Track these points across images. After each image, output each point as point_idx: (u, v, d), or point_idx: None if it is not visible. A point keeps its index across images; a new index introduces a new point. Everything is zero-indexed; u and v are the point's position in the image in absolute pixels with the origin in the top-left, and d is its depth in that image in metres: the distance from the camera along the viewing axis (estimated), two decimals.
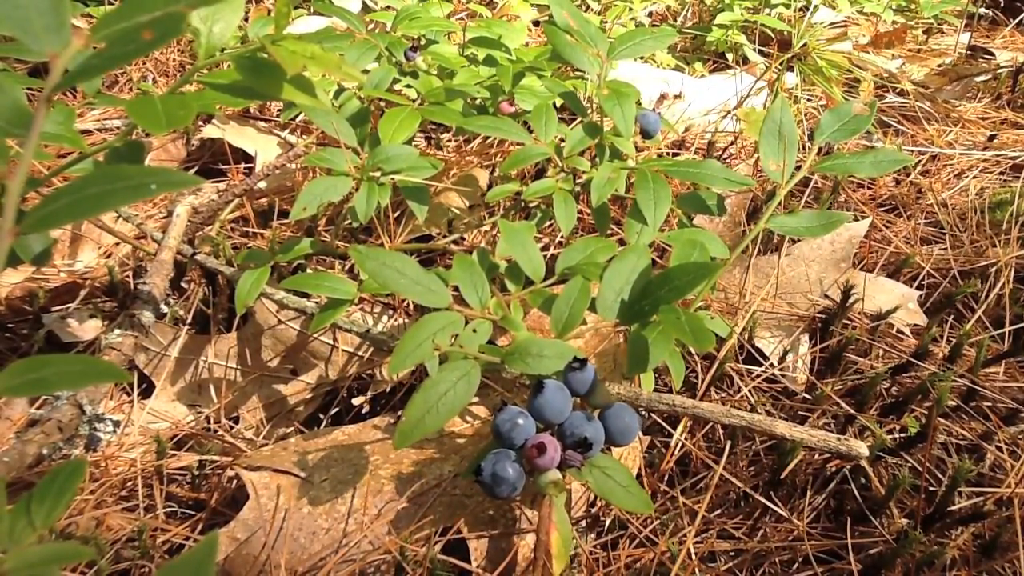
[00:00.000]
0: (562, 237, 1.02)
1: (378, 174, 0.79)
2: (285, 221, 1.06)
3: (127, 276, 0.95)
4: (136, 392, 0.85)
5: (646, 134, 0.89)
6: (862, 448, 0.62)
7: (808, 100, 1.42)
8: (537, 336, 0.60)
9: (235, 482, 0.73)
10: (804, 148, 1.20)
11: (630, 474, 0.29)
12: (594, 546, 0.68)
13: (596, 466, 0.32)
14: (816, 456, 0.75)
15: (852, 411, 0.79)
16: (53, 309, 0.90)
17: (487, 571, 0.59)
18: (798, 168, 0.75)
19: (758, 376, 0.83)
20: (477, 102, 1.00)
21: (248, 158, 1.17)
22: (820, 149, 0.80)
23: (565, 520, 0.27)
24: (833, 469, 0.75)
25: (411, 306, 0.90)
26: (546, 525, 0.27)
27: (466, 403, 0.54)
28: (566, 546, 0.27)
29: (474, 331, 0.61)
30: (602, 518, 0.69)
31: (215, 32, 0.54)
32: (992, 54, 1.58)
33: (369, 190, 0.77)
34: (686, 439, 0.76)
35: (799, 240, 1.01)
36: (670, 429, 0.77)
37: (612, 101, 0.81)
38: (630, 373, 0.57)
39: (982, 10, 1.77)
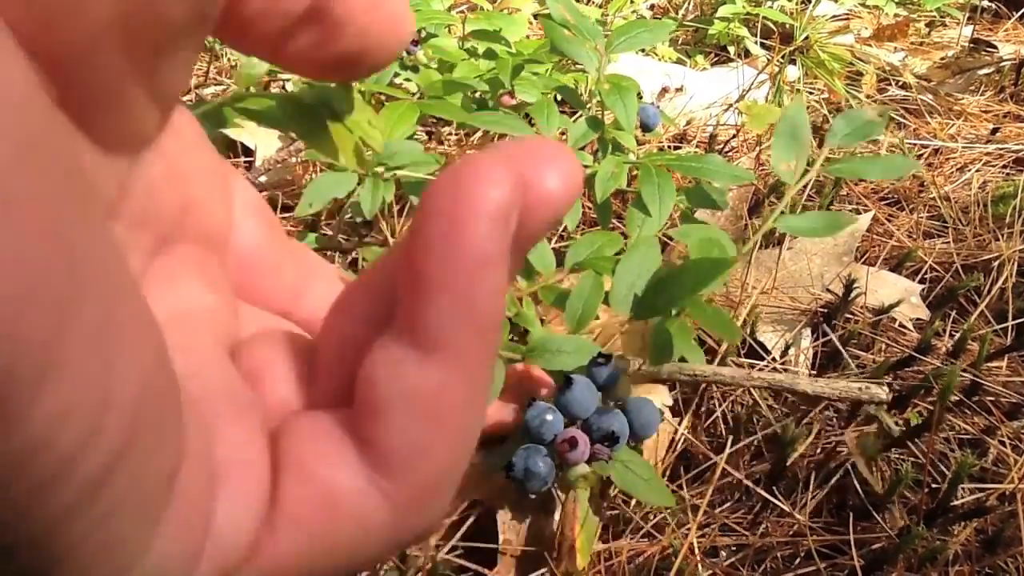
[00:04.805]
0: (563, 231, 1.02)
1: (381, 169, 0.79)
2: (287, 215, 1.06)
3: None
4: None
5: (646, 127, 0.89)
6: (882, 393, 0.63)
7: (810, 93, 1.41)
8: (555, 332, 0.59)
9: None
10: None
11: (651, 468, 0.29)
12: (596, 540, 0.68)
13: (618, 460, 0.32)
14: (818, 450, 0.75)
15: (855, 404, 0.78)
16: None
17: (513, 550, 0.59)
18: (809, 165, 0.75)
19: (760, 370, 0.83)
20: (477, 95, 1.00)
21: (248, 152, 1.17)
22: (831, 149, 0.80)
23: (590, 515, 0.27)
24: (835, 464, 0.74)
25: None
26: (571, 520, 0.27)
27: (493, 402, 0.53)
28: (590, 540, 0.27)
29: None
30: (604, 511, 0.69)
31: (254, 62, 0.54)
32: (995, 47, 1.57)
33: (374, 186, 0.76)
34: (688, 433, 0.76)
35: None
36: (674, 424, 0.77)
37: (614, 95, 0.81)
38: (654, 364, 0.58)
39: (985, 3, 1.76)
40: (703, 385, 0.79)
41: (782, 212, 0.67)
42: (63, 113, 0.13)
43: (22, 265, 0.10)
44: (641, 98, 1.01)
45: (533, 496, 0.24)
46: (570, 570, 0.25)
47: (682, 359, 0.75)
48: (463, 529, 0.65)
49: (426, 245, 0.15)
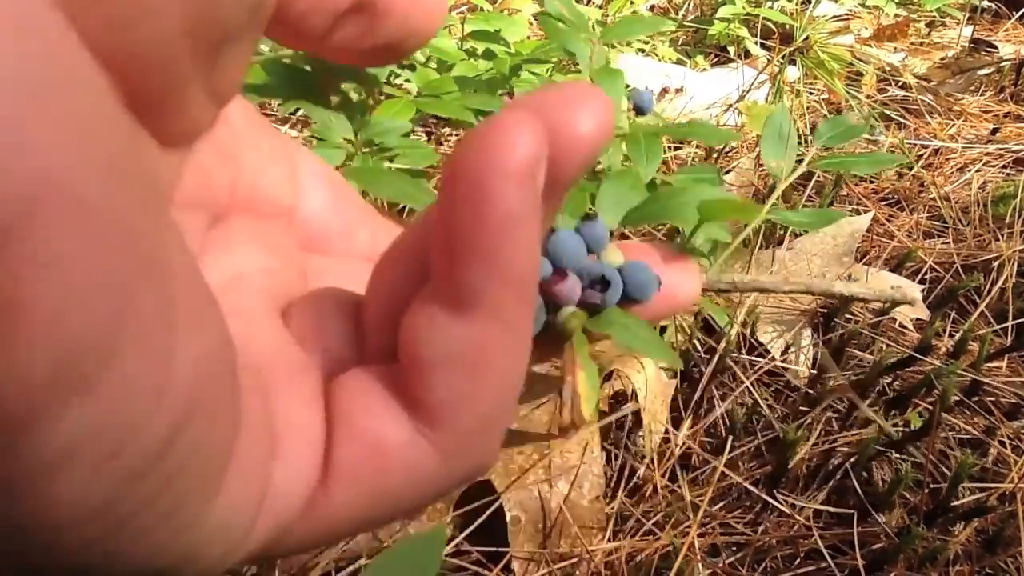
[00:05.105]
0: None
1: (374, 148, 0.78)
2: None
3: None
4: None
5: (640, 111, 0.89)
6: (916, 291, 0.66)
7: (810, 94, 1.41)
8: None
9: None
10: (806, 141, 1.19)
11: (655, 332, 0.27)
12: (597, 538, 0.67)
13: (617, 322, 0.29)
14: (818, 450, 0.75)
15: (856, 402, 0.78)
16: None
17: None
18: (799, 162, 0.75)
19: (759, 369, 0.83)
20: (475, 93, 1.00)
21: None
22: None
23: (590, 363, 0.26)
24: (834, 464, 0.74)
25: None
26: (571, 366, 0.26)
27: None
28: (594, 387, 0.25)
29: None
30: (607, 511, 0.69)
31: None
32: (995, 47, 1.57)
33: (364, 160, 0.76)
34: (687, 436, 0.76)
35: (801, 234, 1.00)
36: (673, 430, 0.77)
37: (602, 75, 0.82)
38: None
39: (985, 3, 1.76)
40: (704, 383, 0.79)
41: (774, 204, 0.68)
42: (129, 113, 0.14)
43: (91, 257, 0.11)
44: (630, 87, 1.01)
45: None
46: (576, 421, 0.25)
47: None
48: (465, 530, 0.65)
49: (454, 207, 0.15)
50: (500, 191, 0.15)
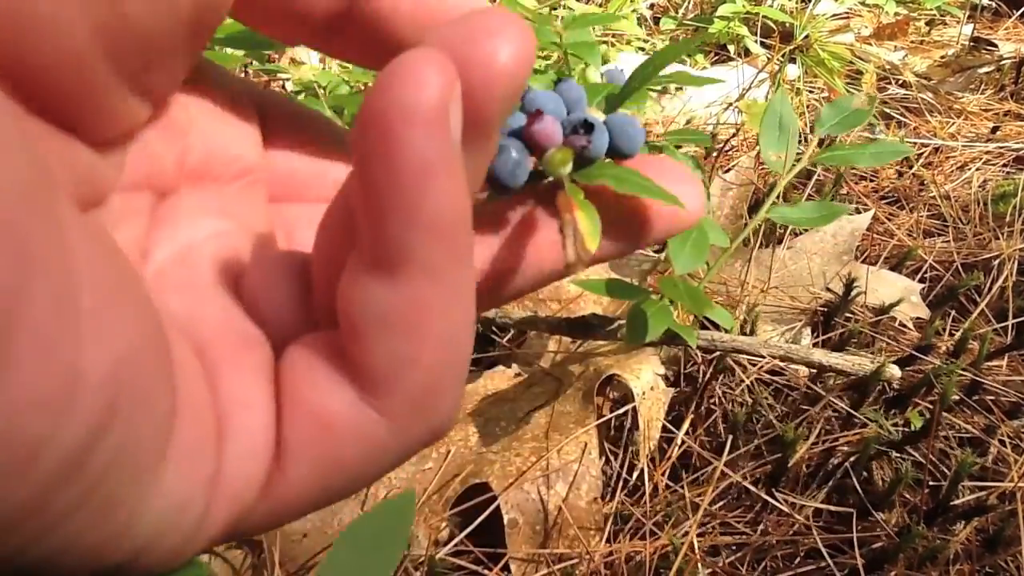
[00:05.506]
0: None
1: None
2: None
3: None
4: None
5: None
6: (895, 371, 0.65)
7: (810, 92, 1.41)
8: None
9: None
10: (806, 140, 1.19)
11: (648, 178, 0.26)
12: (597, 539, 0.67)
13: (609, 173, 0.28)
14: (818, 449, 0.75)
15: (852, 407, 0.78)
16: None
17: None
18: (799, 158, 0.75)
19: (760, 367, 0.83)
20: None
21: None
22: (821, 141, 0.80)
23: (587, 203, 0.24)
24: (834, 464, 0.74)
25: None
26: (568, 205, 0.24)
27: None
28: (595, 223, 0.24)
29: None
30: (605, 511, 0.69)
31: None
32: (995, 45, 1.57)
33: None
34: (687, 436, 0.76)
35: (801, 233, 1.00)
36: (673, 429, 0.77)
37: (578, 46, 0.82)
38: (630, 342, 0.57)
39: (985, 1, 1.76)
40: (702, 383, 0.79)
41: (774, 202, 0.67)
42: (40, 120, 0.14)
43: None
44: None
45: (516, 189, 0.22)
46: (583, 256, 0.24)
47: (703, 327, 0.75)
48: (463, 531, 0.65)
49: (366, 160, 0.15)
50: (410, 140, 0.14)
